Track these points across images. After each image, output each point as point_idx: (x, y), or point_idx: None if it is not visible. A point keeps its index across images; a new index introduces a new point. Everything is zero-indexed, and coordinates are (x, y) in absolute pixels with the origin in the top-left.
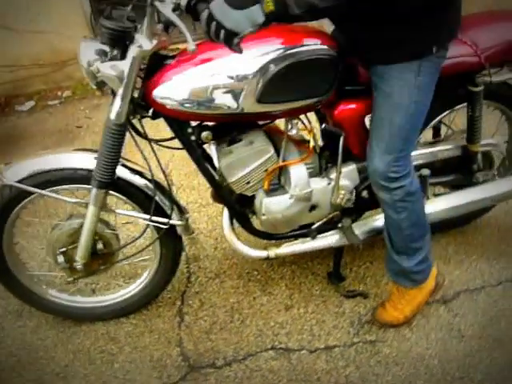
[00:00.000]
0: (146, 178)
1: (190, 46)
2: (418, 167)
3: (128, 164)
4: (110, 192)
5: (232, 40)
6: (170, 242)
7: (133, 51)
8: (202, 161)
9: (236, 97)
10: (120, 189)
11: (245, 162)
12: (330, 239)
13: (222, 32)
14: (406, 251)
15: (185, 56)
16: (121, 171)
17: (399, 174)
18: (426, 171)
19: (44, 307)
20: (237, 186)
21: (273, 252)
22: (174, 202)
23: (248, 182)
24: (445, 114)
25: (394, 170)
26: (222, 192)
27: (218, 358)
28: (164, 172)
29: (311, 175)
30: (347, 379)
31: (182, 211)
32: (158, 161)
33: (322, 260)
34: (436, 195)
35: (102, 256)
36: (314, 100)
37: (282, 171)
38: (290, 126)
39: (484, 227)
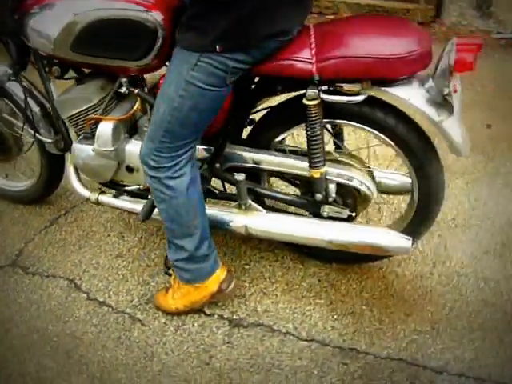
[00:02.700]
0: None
1: None
2: (245, 168)
3: (24, 83)
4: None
5: None
6: (50, 156)
7: None
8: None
9: (50, 41)
10: (11, 100)
11: (73, 103)
12: (136, 206)
13: None
14: (170, 244)
15: None
16: (13, 86)
17: (158, 164)
18: (240, 176)
19: None
20: (68, 123)
21: (94, 196)
22: (49, 122)
23: (77, 124)
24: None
25: (154, 159)
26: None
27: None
28: (49, 98)
29: (130, 137)
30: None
31: (56, 132)
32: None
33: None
34: (270, 210)
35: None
36: (129, 62)
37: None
38: (117, 84)
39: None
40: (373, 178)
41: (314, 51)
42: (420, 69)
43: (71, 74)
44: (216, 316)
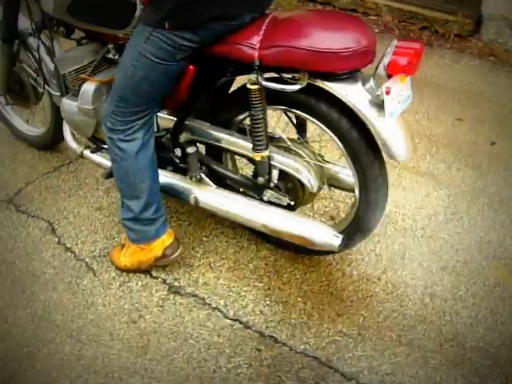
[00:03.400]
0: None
1: None
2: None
3: (44, 40)
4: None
5: None
6: (58, 108)
7: None
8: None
9: (51, 2)
10: (31, 53)
11: (69, 62)
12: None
13: None
14: (121, 202)
15: None
16: (34, 42)
17: (113, 126)
18: (191, 149)
19: None
20: (67, 79)
21: (80, 149)
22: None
23: (70, 81)
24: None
25: (110, 121)
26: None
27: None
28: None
29: None
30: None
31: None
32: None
33: None
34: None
35: (24, 93)
36: (115, 31)
37: None
38: (105, 49)
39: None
40: (319, 171)
41: (260, 38)
42: (358, 66)
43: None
44: (159, 279)
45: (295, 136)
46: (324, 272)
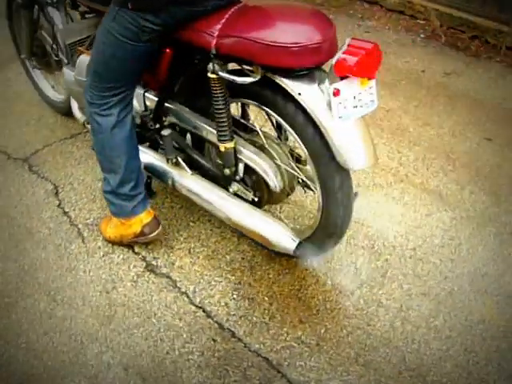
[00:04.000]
0: None
1: None
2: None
3: (61, 11)
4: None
5: None
6: None
7: None
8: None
9: None
10: (50, 22)
11: (71, 34)
12: None
13: None
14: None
15: None
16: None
17: (91, 100)
18: (166, 131)
19: None
20: (69, 50)
21: (83, 119)
22: None
23: (72, 52)
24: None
25: (89, 95)
26: None
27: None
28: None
29: None
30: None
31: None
32: None
33: None
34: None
35: (45, 59)
36: (103, 7)
37: None
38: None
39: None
40: (287, 173)
41: (219, 27)
42: (309, 63)
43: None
44: (140, 256)
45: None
46: (298, 276)
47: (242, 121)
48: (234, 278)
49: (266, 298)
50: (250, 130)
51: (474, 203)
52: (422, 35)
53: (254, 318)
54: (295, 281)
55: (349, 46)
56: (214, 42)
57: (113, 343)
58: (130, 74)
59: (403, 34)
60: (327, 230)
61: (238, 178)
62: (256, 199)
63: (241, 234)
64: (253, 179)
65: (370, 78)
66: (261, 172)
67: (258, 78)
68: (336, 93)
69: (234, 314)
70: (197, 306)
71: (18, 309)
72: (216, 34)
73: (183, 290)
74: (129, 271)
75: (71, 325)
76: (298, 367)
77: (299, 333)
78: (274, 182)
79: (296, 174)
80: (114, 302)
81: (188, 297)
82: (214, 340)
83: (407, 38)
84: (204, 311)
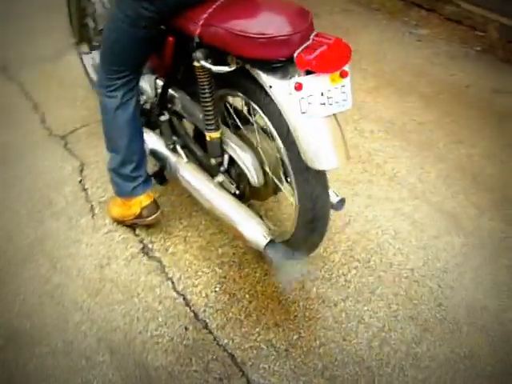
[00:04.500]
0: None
1: None
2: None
3: None
4: None
5: None
6: None
7: None
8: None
9: None
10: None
11: (103, 19)
12: None
13: None
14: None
15: None
16: None
17: (100, 81)
18: (163, 117)
19: None
20: None
21: None
22: None
23: None
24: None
25: (98, 76)
26: None
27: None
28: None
29: None
30: None
31: None
32: None
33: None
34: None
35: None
36: None
37: None
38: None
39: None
40: (268, 169)
41: (205, 16)
42: (278, 55)
43: None
44: (139, 238)
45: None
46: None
47: (244, 114)
48: (221, 271)
49: (247, 296)
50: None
51: (490, 231)
52: (477, 48)
53: (230, 314)
54: (280, 283)
55: (313, 39)
56: (198, 30)
57: (94, 315)
58: (132, 59)
59: (457, 45)
60: (302, 233)
61: (222, 169)
62: (237, 192)
63: None
64: (236, 172)
65: (342, 76)
66: (242, 165)
67: (233, 68)
68: (298, 87)
69: (211, 307)
70: (178, 293)
71: (21, 269)
72: (201, 22)
73: (170, 275)
74: (125, 250)
75: (62, 292)
76: (261, 369)
77: (271, 335)
78: (254, 177)
79: (281, 173)
80: (104, 277)
81: (173, 283)
82: (186, 328)
83: (460, 49)
84: (184, 299)
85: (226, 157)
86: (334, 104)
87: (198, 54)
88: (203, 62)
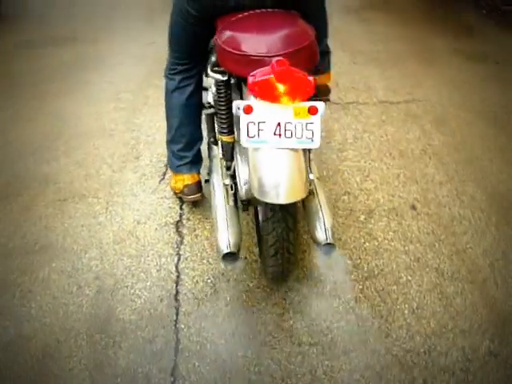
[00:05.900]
0: None
1: None
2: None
3: None
4: None
5: None
6: None
7: None
8: None
9: None
10: None
11: None
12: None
13: None
14: None
15: None
16: None
17: (167, 63)
18: (206, 111)
19: None
20: None
21: None
22: None
23: None
24: None
25: (167, 59)
26: None
27: None
28: None
29: None
30: None
31: None
32: None
33: None
34: None
35: None
36: None
37: None
38: None
39: None
40: None
41: (221, 25)
42: (241, 73)
43: None
44: (181, 211)
45: None
46: (277, 303)
47: None
48: (221, 268)
49: (229, 299)
50: None
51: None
52: None
53: (203, 307)
54: (267, 300)
55: (271, 65)
56: (214, 38)
57: (105, 257)
58: (189, 49)
59: None
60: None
61: (229, 173)
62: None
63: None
64: (235, 180)
65: (311, 113)
66: (237, 175)
67: (225, 78)
68: (247, 109)
69: (192, 293)
70: (176, 269)
71: (82, 202)
72: (219, 29)
73: (181, 252)
74: (163, 218)
75: (98, 230)
76: (194, 365)
77: (221, 341)
78: (242, 190)
79: None
80: (133, 232)
81: (179, 259)
82: (162, 300)
83: None
84: (178, 276)
85: (234, 163)
86: (295, 138)
87: (212, 59)
88: (209, 68)
